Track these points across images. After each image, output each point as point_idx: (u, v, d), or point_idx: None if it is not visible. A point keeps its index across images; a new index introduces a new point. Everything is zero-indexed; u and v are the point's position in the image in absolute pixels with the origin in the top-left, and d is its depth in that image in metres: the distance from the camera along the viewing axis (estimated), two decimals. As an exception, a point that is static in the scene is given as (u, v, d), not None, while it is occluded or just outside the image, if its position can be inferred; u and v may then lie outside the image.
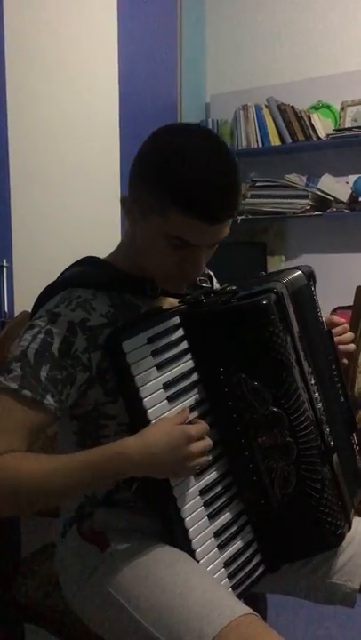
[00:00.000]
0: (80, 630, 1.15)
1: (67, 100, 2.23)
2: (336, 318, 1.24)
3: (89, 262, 1.12)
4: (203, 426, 0.97)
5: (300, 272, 1.14)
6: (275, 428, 1.01)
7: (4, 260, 1.93)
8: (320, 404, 1.09)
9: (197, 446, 0.95)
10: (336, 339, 1.22)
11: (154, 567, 0.99)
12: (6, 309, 1.91)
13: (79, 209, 2.30)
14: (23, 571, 1.34)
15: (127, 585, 0.99)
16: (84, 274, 1.08)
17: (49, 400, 0.94)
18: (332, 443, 1.10)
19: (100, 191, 2.41)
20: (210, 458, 0.99)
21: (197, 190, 0.92)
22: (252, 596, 1.64)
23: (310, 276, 1.17)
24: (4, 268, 1.92)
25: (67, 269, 1.13)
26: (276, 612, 1.91)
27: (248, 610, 0.93)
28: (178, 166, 0.92)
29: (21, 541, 1.43)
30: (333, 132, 3.07)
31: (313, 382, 1.08)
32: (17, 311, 1.88)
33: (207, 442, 0.97)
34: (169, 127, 1.02)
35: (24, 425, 0.93)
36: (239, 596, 1.05)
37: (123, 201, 1.04)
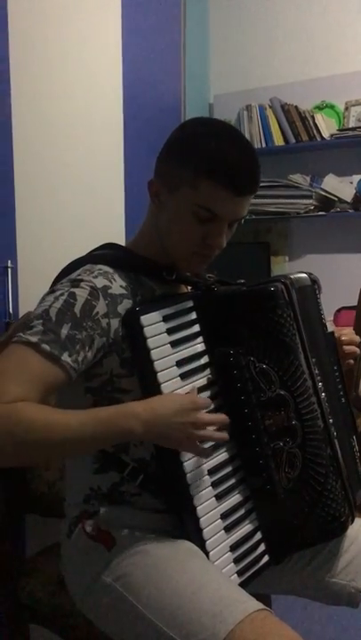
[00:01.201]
0: (85, 631, 1.16)
1: (71, 101, 2.24)
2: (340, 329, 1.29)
3: (109, 247, 1.18)
4: (209, 401, 1.01)
5: (305, 274, 1.18)
6: (281, 411, 1.05)
7: (9, 261, 1.93)
8: (323, 395, 1.12)
9: (205, 415, 0.97)
10: (345, 338, 1.24)
11: (163, 566, 0.99)
12: (11, 310, 1.91)
13: (83, 210, 2.30)
14: (28, 571, 1.34)
15: (137, 584, 0.99)
16: (105, 254, 1.14)
17: (66, 358, 0.96)
18: (335, 433, 1.12)
19: (104, 192, 2.41)
20: (223, 434, 1.00)
21: (230, 164, 1.03)
22: (256, 598, 1.64)
23: (315, 281, 1.22)
24: (9, 269, 1.92)
25: (87, 254, 1.17)
26: (280, 615, 1.91)
27: (260, 605, 0.94)
28: (212, 144, 1.04)
29: (26, 541, 1.43)
30: (337, 132, 3.06)
31: (317, 372, 1.11)
32: (22, 312, 1.88)
33: (220, 416, 0.99)
34: (196, 118, 1.15)
35: (39, 378, 0.94)
36: (245, 584, 1.06)
37: (150, 184, 1.11)
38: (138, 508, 1.08)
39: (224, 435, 0.99)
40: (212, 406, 1.03)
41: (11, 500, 1.36)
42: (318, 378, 1.11)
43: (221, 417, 1.00)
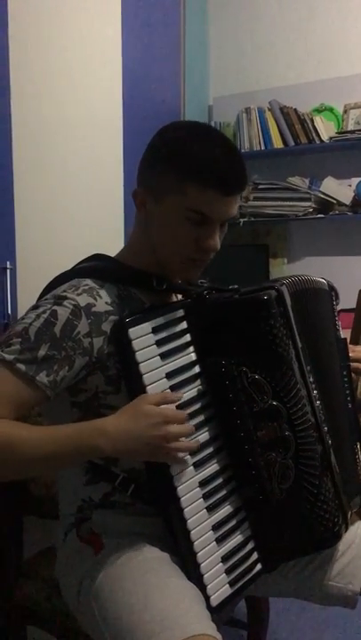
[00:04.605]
0: (83, 633, 1.15)
1: (70, 104, 2.24)
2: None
3: (98, 258, 1.15)
4: (182, 413, 0.99)
5: (322, 279, 1.19)
6: (274, 422, 1.03)
7: (8, 263, 1.93)
8: (318, 403, 1.10)
9: (174, 428, 0.95)
10: (353, 355, 1.27)
11: (124, 579, 0.99)
12: (9, 311, 1.91)
13: (82, 212, 2.30)
14: (26, 572, 1.34)
15: (103, 596, 1.00)
16: (93, 267, 1.12)
17: (42, 378, 0.95)
18: (330, 441, 1.11)
19: (103, 194, 2.41)
20: (192, 443, 0.99)
21: (214, 165, 1.01)
22: (254, 601, 1.64)
23: (333, 288, 1.24)
24: (8, 271, 1.92)
25: (76, 265, 1.15)
26: (278, 617, 1.91)
27: (204, 630, 0.91)
28: (194, 147, 1.02)
29: (24, 543, 1.43)
30: (336, 135, 3.07)
31: (311, 380, 1.09)
32: (20, 313, 1.88)
33: (188, 426, 0.98)
34: (174, 123, 1.12)
35: (13, 398, 0.94)
36: (237, 593, 1.05)
37: (135, 194, 1.09)
38: (131, 514, 1.08)
39: (192, 443, 1.00)
40: (183, 399, 1.02)
41: (8, 501, 1.36)
42: (313, 386, 1.09)
43: (189, 427, 0.99)
